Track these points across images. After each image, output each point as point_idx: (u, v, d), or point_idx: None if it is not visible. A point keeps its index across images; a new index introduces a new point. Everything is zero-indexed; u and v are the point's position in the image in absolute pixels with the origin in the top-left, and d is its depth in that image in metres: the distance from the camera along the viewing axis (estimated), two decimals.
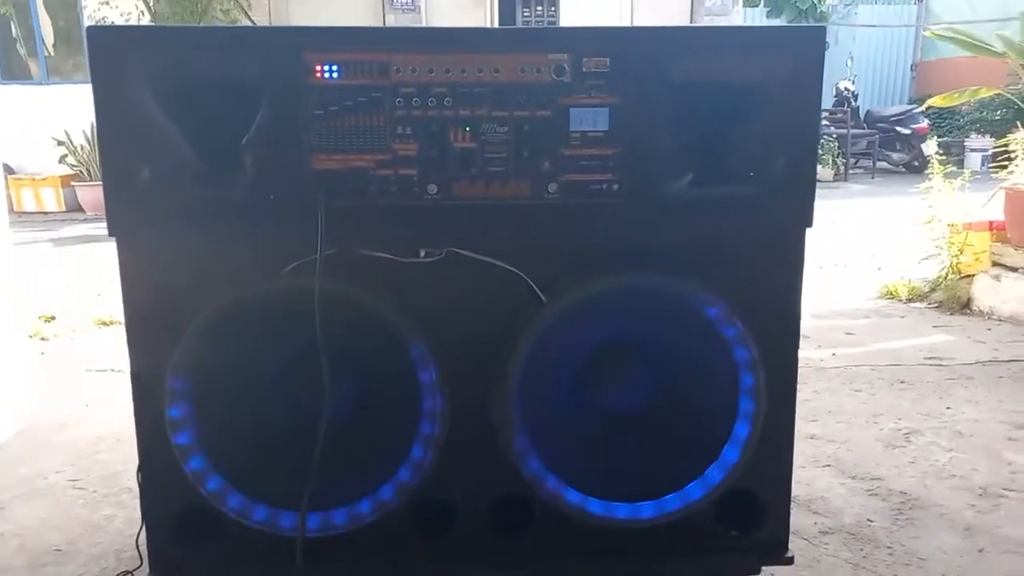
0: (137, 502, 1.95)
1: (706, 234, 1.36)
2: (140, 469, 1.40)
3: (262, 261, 1.32)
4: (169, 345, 1.32)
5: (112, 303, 4.19)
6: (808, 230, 1.38)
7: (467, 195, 1.33)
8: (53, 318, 4.09)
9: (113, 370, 3.22)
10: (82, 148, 9.29)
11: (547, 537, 1.44)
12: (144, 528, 1.42)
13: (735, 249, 1.37)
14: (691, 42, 1.33)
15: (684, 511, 1.42)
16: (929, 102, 4.88)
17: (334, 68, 1.27)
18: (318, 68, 1.27)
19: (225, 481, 1.38)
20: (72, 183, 9.28)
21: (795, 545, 1.57)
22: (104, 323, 4.03)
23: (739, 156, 1.35)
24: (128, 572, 1.57)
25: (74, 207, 9.28)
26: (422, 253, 1.35)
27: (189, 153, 1.28)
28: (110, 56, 1.24)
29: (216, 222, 1.31)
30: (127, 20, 9.01)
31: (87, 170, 9.26)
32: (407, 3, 9.98)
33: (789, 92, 1.31)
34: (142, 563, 1.47)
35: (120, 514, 1.97)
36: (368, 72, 1.28)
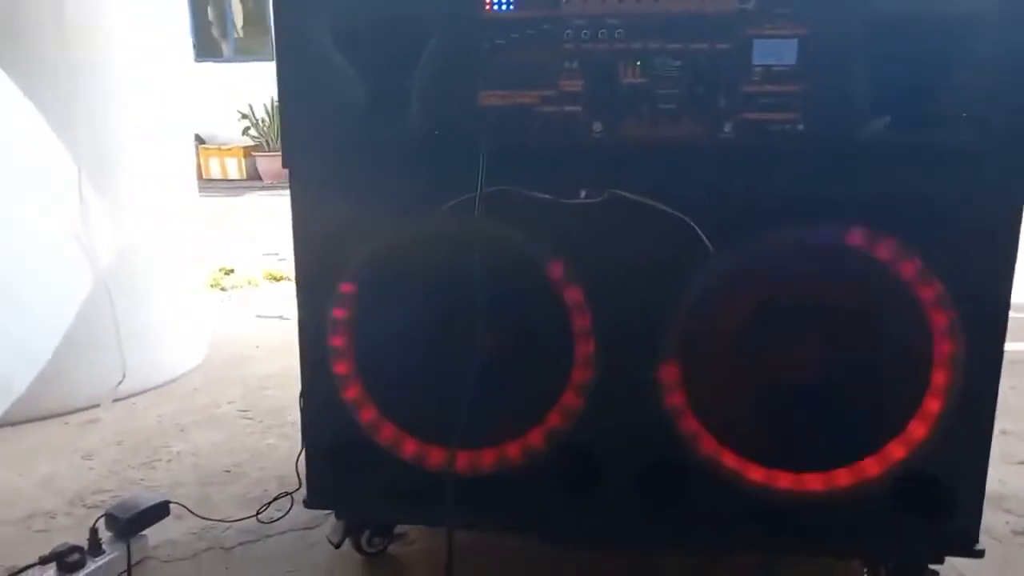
0: (298, 434, 2.07)
1: (904, 188, 1.21)
2: (302, 395, 1.45)
3: (426, 197, 1.32)
4: (334, 277, 1.36)
5: (282, 262, 4.48)
6: None
7: (634, 134, 1.26)
8: (232, 271, 4.43)
9: (282, 317, 3.43)
10: (263, 121, 10.01)
11: (699, 506, 1.35)
12: (303, 453, 1.47)
13: (939, 207, 1.21)
14: None
15: (857, 487, 1.30)
16: None
17: (504, 0, 1.24)
18: (488, 1, 1.25)
19: (380, 412, 1.41)
20: (253, 153, 10.02)
21: (985, 544, 1.39)
22: (275, 278, 4.30)
23: (949, 98, 1.19)
24: (287, 493, 1.65)
25: (254, 176, 10.02)
26: (583, 194, 1.30)
27: (362, 89, 1.30)
28: None
29: (383, 157, 1.32)
30: None
31: (267, 142, 9.97)
32: None
33: (1009, 25, 1.14)
34: (300, 486, 1.54)
35: (283, 444, 2.09)
36: (538, 3, 1.24)
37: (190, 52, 2.82)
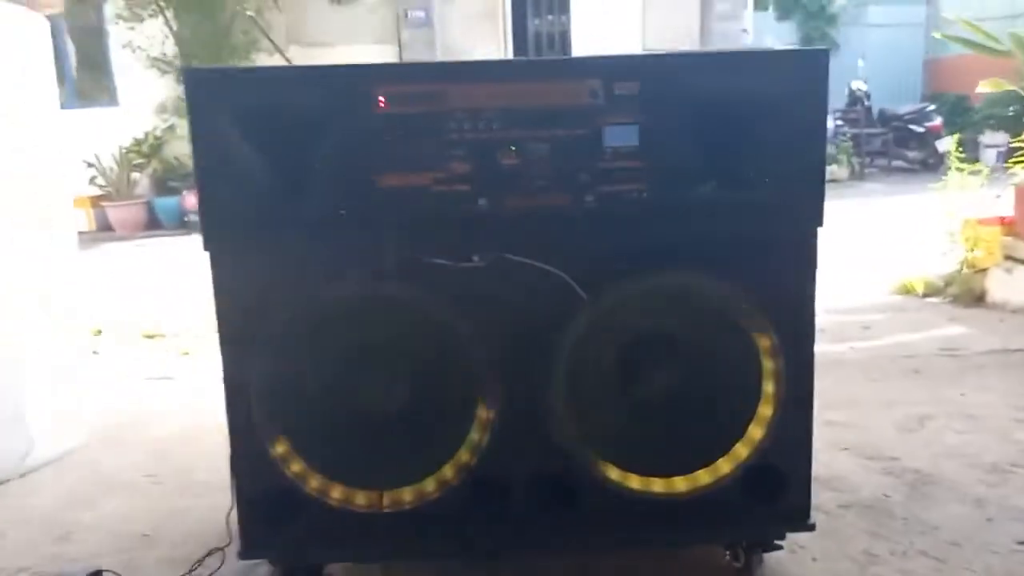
0: (212, 492, 2.16)
1: (728, 236, 1.52)
2: (232, 455, 1.57)
3: (337, 268, 1.50)
4: (256, 343, 1.51)
5: (155, 316, 4.41)
6: (823, 230, 1.53)
7: (514, 206, 1.50)
8: (100, 332, 4.32)
9: (168, 378, 3.43)
10: (111, 170, 9.62)
11: (592, 512, 1.61)
12: (235, 508, 1.59)
13: (754, 248, 1.53)
14: (708, 66, 1.50)
15: (714, 485, 1.59)
16: (981, 86, 4.64)
17: (396, 99, 1.46)
18: (382, 100, 1.46)
19: (306, 464, 1.56)
20: (101, 203, 9.60)
21: (816, 518, 1.71)
22: (150, 336, 4.24)
23: (754, 165, 1.52)
24: (219, 549, 1.75)
25: (104, 226, 9.59)
26: (475, 259, 1.53)
27: (273, 177, 1.47)
28: (205, 95, 1.44)
29: (295, 236, 1.49)
30: (151, 43, 9.28)
31: (116, 190, 9.59)
32: (421, 19, 10.23)
33: (797, 107, 1.48)
34: (231, 540, 1.65)
35: (198, 503, 2.16)
36: (426, 101, 1.46)
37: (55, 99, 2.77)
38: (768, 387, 1.56)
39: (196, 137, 1.46)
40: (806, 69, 1.48)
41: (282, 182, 1.48)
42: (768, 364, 1.54)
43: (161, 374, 3.49)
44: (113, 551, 1.94)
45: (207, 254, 1.51)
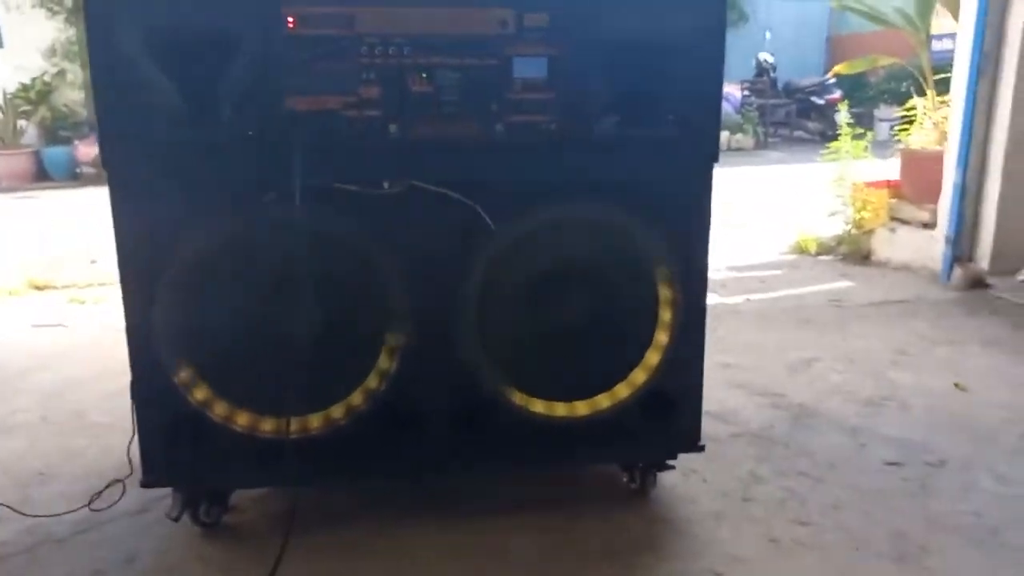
0: (108, 433, 2.11)
1: (630, 168, 1.58)
2: (133, 381, 1.54)
3: (245, 191, 1.48)
4: (157, 267, 1.48)
5: (45, 269, 4.20)
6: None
7: (424, 134, 1.52)
8: None
9: (61, 325, 3.29)
10: None
11: (499, 435, 1.66)
12: (136, 437, 1.57)
13: (655, 181, 1.60)
14: (615, 1, 1.54)
15: (614, 408, 1.67)
16: (834, 69, 5.25)
17: (305, 19, 1.44)
18: (291, 20, 1.44)
19: (211, 390, 1.55)
20: None
21: (709, 446, 1.82)
22: (38, 287, 4.04)
23: (658, 101, 1.58)
24: (118, 480, 1.72)
25: None
26: (385, 185, 1.54)
27: (177, 95, 1.43)
28: (105, 6, 1.38)
29: (202, 155, 1.46)
30: None
31: (1, 139, 8.96)
32: None
33: (697, 45, 1.55)
34: (132, 472, 1.62)
35: (94, 443, 2.11)
36: (336, 23, 1.45)
37: None
38: (665, 315, 1.64)
39: (94, 50, 1.40)
40: (706, 8, 1.54)
41: (186, 101, 1.44)
42: (665, 292, 1.62)
43: (51, 321, 3.34)
44: (8, 486, 1.88)
45: (105, 176, 1.46)
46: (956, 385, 2.50)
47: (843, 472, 1.94)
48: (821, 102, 11.32)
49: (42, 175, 9.03)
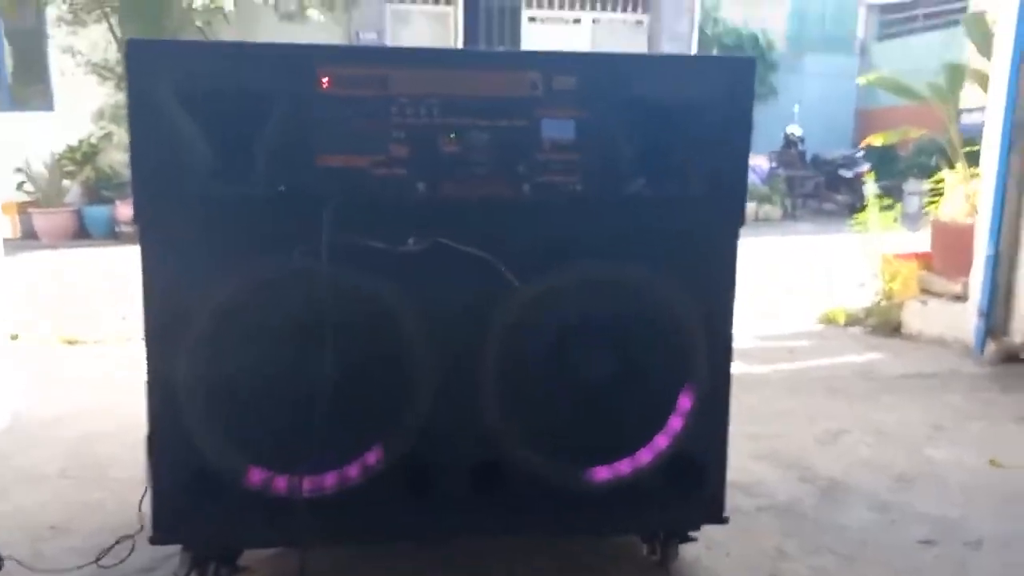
0: (124, 489, 2.10)
1: (656, 229, 1.58)
2: (149, 437, 1.53)
3: (273, 246, 1.50)
4: (183, 319, 1.49)
5: (76, 324, 4.27)
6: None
7: (451, 193, 1.54)
8: (17, 336, 4.14)
9: (84, 380, 3.32)
10: (41, 176, 9.29)
11: (517, 498, 1.62)
12: (149, 494, 1.55)
13: (679, 244, 1.59)
14: (642, 67, 1.57)
15: (635, 474, 1.63)
16: (865, 141, 5.28)
17: (339, 80, 1.48)
18: (325, 80, 1.48)
19: (228, 448, 1.54)
20: (29, 209, 9.24)
21: (734, 518, 1.77)
22: (69, 342, 4.10)
23: (684, 164, 1.59)
24: (128, 537, 1.69)
25: (30, 234, 9.21)
26: (411, 242, 1.55)
27: (210, 152, 1.47)
28: (146, 65, 1.44)
29: (233, 211, 1.49)
30: (93, 48, 9.10)
31: (44, 197, 9.25)
32: (373, 41, 10.27)
33: (725, 111, 1.56)
34: (142, 528, 1.60)
35: (111, 498, 2.09)
36: (369, 84, 1.49)
37: None
38: (689, 379, 1.61)
39: (133, 109, 1.45)
40: (734, 75, 1.57)
41: (220, 157, 1.48)
42: (689, 355, 1.60)
43: (77, 376, 3.38)
44: (21, 540, 1.86)
45: (137, 235, 1.49)
46: (992, 462, 2.41)
47: (874, 550, 1.86)
48: (849, 175, 11.34)
49: (82, 233, 9.27)
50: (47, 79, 10.05)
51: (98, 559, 1.71)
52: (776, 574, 1.75)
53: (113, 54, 9.08)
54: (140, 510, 1.66)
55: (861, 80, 5.73)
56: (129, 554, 1.72)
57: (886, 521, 2.01)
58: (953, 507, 2.09)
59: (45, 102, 10.03)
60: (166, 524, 1.57)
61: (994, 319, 3.65)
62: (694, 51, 11.03)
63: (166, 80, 1.45)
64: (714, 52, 12.88)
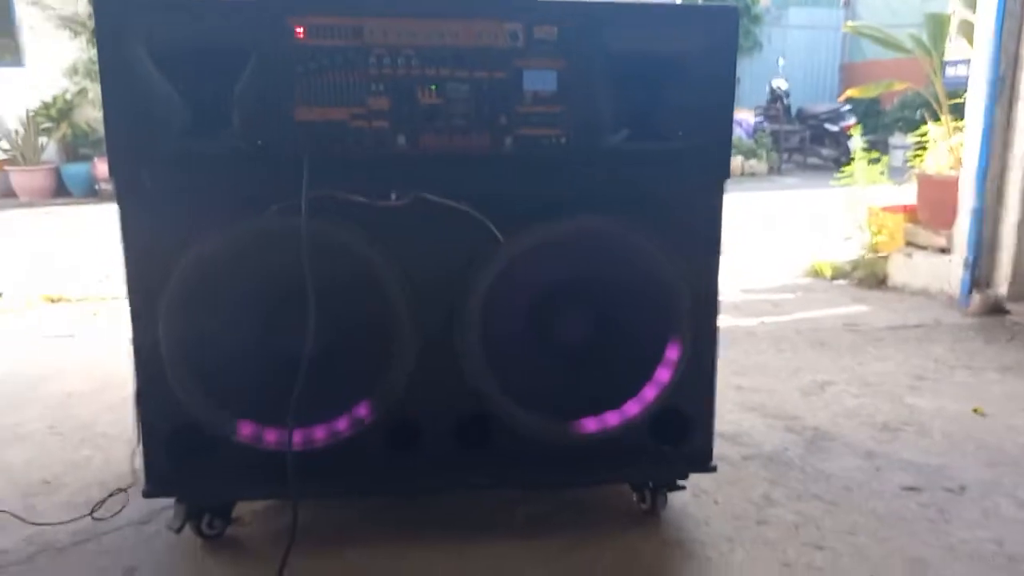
0: (114, 444, 2.10)
1: (640, 182, 1.57)
2: (138, 393, 1.53)
3: (252, 201, 1.47)
4: (164, 277, 1.47)
5: (59, 282, 4.23)
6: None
7: (433, 146, 1.51)
8: (0, 294, 4.11)
9: (69, 336, 3.29)
10: (16, 132, 9.10)
11: (503, 451, 1.63)
12: (140, 448, 1.55)
13: (665, 196, 1.58)
14: (625, 16, 1.53)
15: (623, 426, 1.64)
16: (847, 93, 5.25)
17: (314, 30, 1.44)
18: (299, 30, 1.44)
19: (216, 402, 1.53)
20: (5, 167, 9.07)
21: (721, 468, 1.79)
22: (51, 300, 4.06)
23: (667, 116, 1.56)
24: (121, 490, 1.70)
25: (7, 192, 9.06)
26: (393, 197, 1.53)
27: (185, 106, 1.43)
28: (115, 19, 1.39)
29: (210, 166, 1.46)
30: (62, 1, 8.85)
31: (21, 155, 9.07)
32: None
33: (708, 62, 1.53)
34: (135, 481, 1.60)
35: (99, 454, 2.09)
36: (345, 34, 1.45)
37: None
38: (676, 330, 1.61)
39: (104, 64, 1.41)
40: (717, 24, 1.53)
41: (194, 112, 1.45)
42: (676, 307, 1.60)
43: (62, 333, 3.35)
44: (12, 495, 1.86)
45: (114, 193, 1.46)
46: (975, 410, 2.44)
47: (859, 497, 1.89)
48: (835, 129, 11.30)
49: (61, 191, 9.13)
50: (15, 33, 9.76)
51: (92, 512, 1.72)
52: (763, 520, 1.78)
53: (84, 7, 8.83)
54: (133, 464, 1.66)
55: (846, 28, 5.66)
56: (123, 507, 1.72)
57: (871, 469, 2.04)
58: (936, 455, 2.12)
59: (14, 58, 9.77)
60: (157, 477, 1.57)
61: (978, 271, 3.68)
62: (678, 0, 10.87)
63: (136, 34, 1.40)
64: (699, 2, 12.68)
